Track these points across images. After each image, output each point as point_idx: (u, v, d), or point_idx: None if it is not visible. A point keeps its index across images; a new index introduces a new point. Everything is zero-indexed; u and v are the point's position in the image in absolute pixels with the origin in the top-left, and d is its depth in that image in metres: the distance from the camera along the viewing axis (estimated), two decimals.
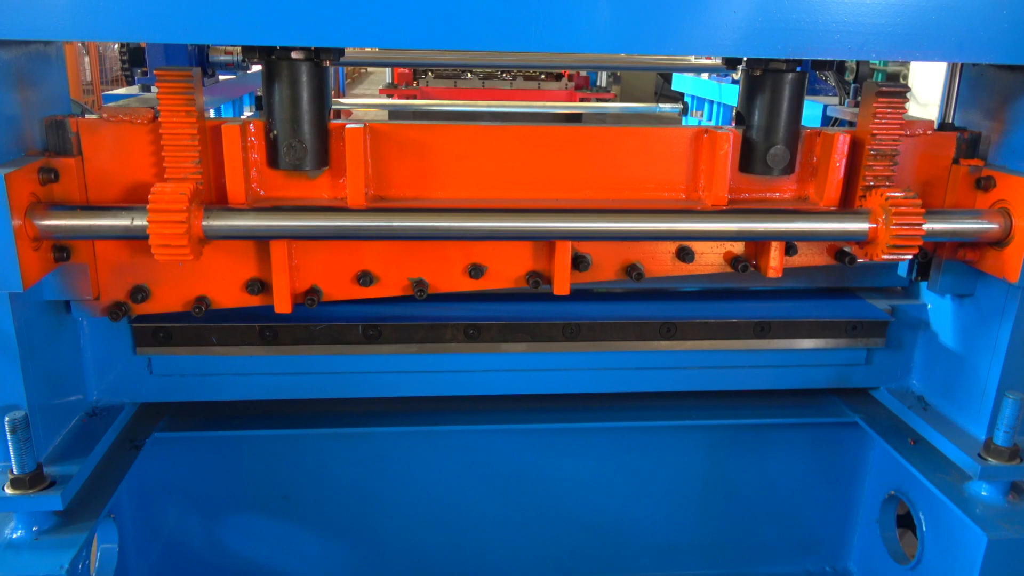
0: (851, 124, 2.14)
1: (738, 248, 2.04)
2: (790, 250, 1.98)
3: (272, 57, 1.70)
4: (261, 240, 1.83)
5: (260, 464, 2.28)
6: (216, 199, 1.80)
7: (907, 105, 1.86)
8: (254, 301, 1.92)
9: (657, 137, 1.95)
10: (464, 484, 2.37)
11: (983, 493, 1.99)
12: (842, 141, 1.89)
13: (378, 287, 1.96)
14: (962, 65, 2.01)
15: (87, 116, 1.78)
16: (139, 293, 1.88)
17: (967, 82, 2.03)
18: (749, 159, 1.91)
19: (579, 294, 2.26)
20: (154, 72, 1.61)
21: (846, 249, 2.02)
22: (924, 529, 2.12)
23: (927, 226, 1.79)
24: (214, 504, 2.29)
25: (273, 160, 1.77)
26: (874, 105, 1.84)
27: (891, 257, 1.80)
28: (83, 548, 1.71)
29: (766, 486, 2.46)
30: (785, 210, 1.92)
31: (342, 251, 1.93)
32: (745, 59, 1.85)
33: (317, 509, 2.34)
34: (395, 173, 1.89)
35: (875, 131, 1.85)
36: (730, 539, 2.52)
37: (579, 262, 1.95)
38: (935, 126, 2.01)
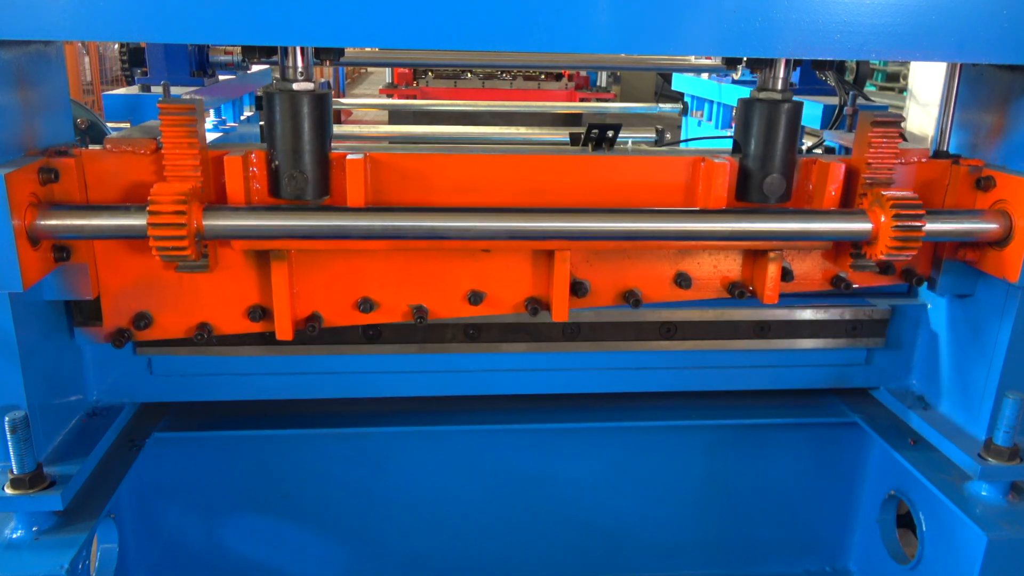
0: (847, 151, 2.14)
1: (735, 274, 2.06)
2: (786, 276, 2.02)
3: (273, 88, 1.72)
4: (260, 239, 1.83)
5: (260, 464, 2.28)
6: None
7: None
8: (256, 327, 1.94)
9: (655, 165, 1.95)
10: (464, 484, 2.37)
11: (983, 493, 1.99)
12: (837, 170, 1.90)
13: (378, 313, 1.98)
14: (962, 65, 2.01)
15: (91, 148, 1.78)
16: (141, 320, 1.89)
17: (967, 82, 2.03)
18: (746, 187, 1.91)
19: None
20: (157, 105, 1.65)
21: (842, 275, 2.05)
22: (924, 529, 2.12)
23: (927, 226, 1.79)
24: (214, 504, 2.29)
25: (275, 190, 1.77)
26: (869, 135, 1.86)
27: (891, 257, 1.80)
28: (83, 548, 1.71)
29: (766, 486, 2.46)
30: (785, 210, 1.92)
31: (342, 277, 1.94)
32: (745, 59, 1.85)
33: (317, 509, 2.34)
34: (396, 202, 1.88)
35: (870, 160, 1.87)
36: (730, 539, 2.52)
37: (577, 288, 1.98)
38: (929, 154, 2.01)
